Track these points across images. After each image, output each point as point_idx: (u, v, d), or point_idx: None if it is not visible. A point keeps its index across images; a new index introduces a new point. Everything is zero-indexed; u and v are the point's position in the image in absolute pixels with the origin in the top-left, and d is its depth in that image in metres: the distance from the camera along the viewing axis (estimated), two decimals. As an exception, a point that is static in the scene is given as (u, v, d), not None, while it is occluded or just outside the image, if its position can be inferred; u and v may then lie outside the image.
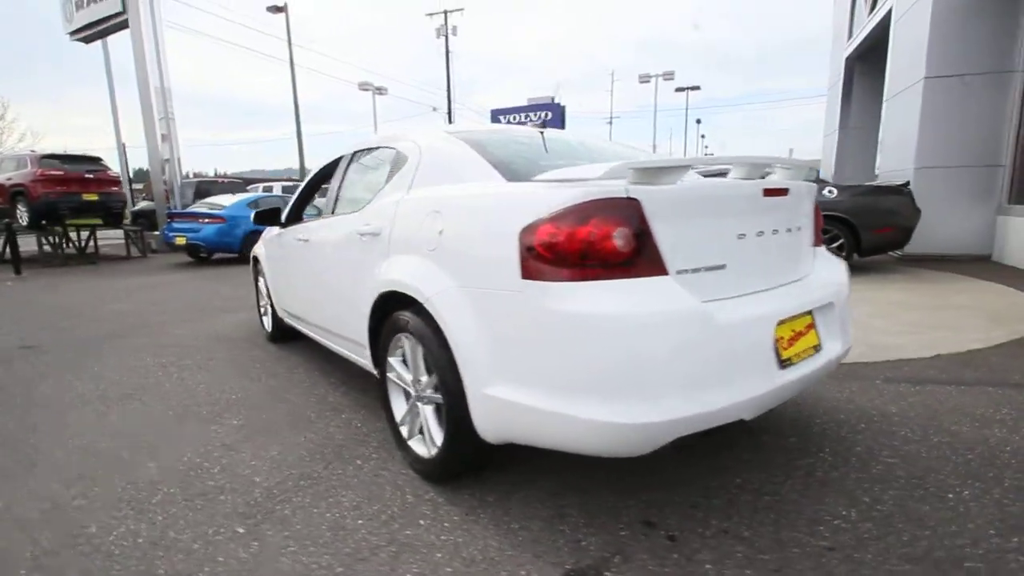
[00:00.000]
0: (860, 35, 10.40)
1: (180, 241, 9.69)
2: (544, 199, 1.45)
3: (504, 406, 1.55)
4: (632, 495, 1.84)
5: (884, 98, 8.71)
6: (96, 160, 10.74)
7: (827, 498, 1.80)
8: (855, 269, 4.03)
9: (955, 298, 4.93)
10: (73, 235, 10.72)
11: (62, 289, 7.20)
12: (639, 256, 1.41)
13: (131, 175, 18.86)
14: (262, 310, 4.33)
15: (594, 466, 2.00)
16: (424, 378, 1.92)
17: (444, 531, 1.68)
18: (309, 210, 3.51)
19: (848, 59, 11.40)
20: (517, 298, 1.48)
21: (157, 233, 12.36)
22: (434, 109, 32.57)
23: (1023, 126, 6.68)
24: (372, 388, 2.97)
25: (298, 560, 1.56)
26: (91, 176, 10.23)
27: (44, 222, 9.98)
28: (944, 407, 2.52)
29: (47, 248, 10.44)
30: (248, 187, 15.58)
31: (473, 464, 1.91)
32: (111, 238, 13.45)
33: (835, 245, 5.93)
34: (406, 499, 1.87)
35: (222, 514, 1.81)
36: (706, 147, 61.08)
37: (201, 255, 10.33)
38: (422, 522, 1.73)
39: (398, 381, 2.09)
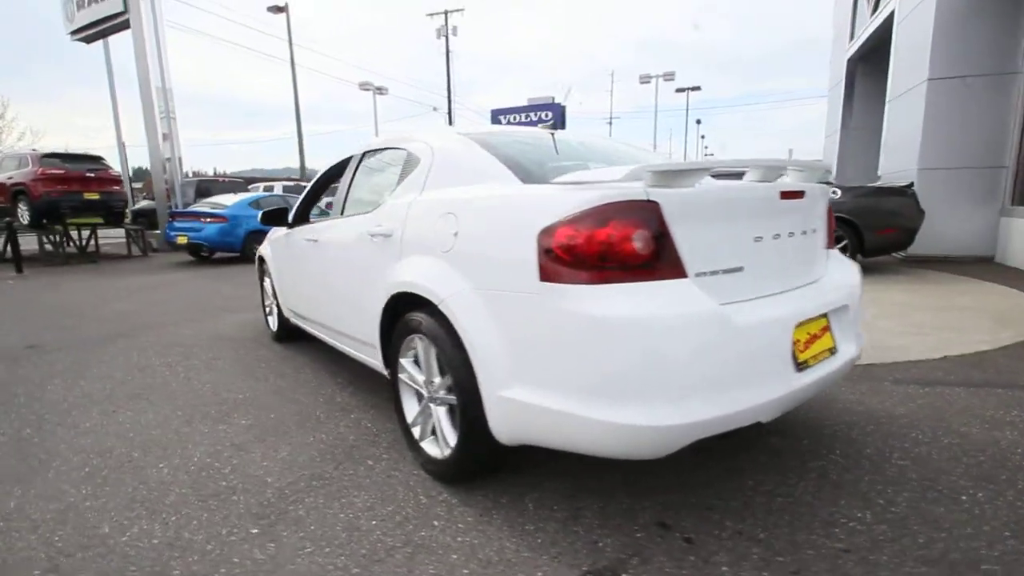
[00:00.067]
0: (862, 36, 10.41)
1: (182, 240, 9.69)
2: (563, 201, 1.45)
3: (520, 408, 1.55)
4: (646, 497, 1.84)
5: (887, 99, 8.72)
6: (97, 159, 10.73)
7: (841, 500, 1.80)
8: (861, 270, 4.02)
9: (960, 299, 4.94)
10: (74, 234, 10.71)
11: (64, 288, 7.19)
12: (658, 259, 1.40)
13: (130, 174, 18.82)
14: (267, 310, 4.32)
15: (607, 468, 2.00)
16: (437, 379, 1.92)
17: (459, 532, 1.68)
18: (315, 211, 3.51)
19: (850, 60, 11.41)
20: (534, 300, 1.48)
21: (158, 232, 12.36)
22: (434, 109, 32.57)
23: (1026, 128, 6.70)
24: (380, 388, 2.97)
25: (314, 561, 1.55)
26: (92, 175, 10.22)
27: (45, 221, 9.96)
28: (953, 409, 2.52)
29: (48, 247, 10.43)
30: (249, 186, 15.57)
31: (487, 465, 1.91)
32: (112, 237, 13.44)
33: (839, 246, 5.93)
34: (419, 500, 1.86)
35: (236, 515, 1.80)
36: (706, 147, 61.12)
37: (202, 254, 10.32)
38: (436, 523, 1.73)
39: (410, 382, 2.09)
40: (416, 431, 2.07)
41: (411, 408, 2.12)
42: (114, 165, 12.00)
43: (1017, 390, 2.73)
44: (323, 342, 3.26)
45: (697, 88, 38.51)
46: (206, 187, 13.93)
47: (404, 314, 2.02)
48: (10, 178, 9.94)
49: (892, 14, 8.51)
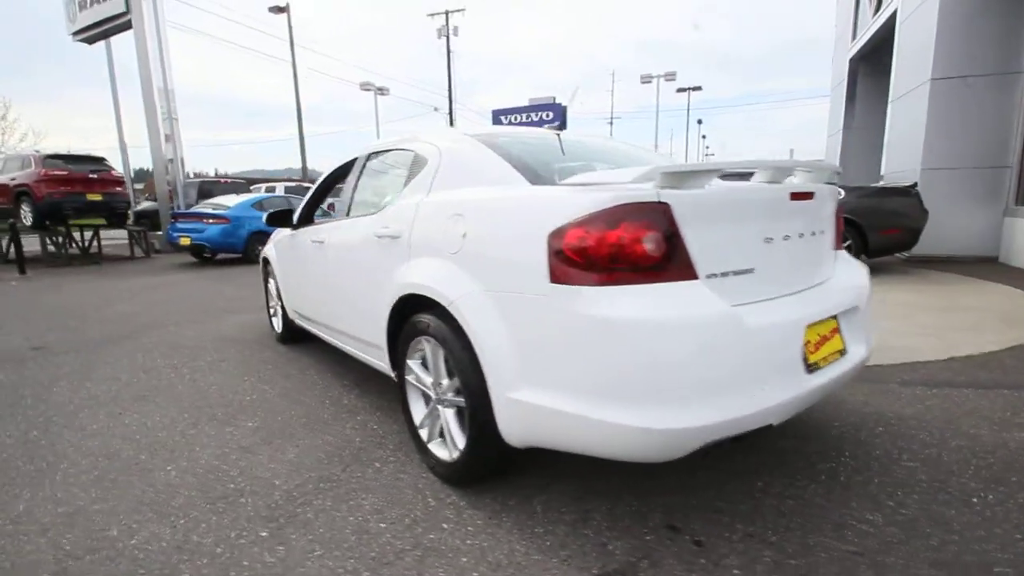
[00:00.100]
0: (864, 36, 10.39)
1: (184, 241, 9.69)
2: (573, 203, 1.44)
3: (530, 410, 1.55)
4: (654, 499, 1.83)
5: (889, 99, 8.71)
6: (100, 160, 10.74)
7: (851, 502, 1.80)
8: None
9: (964, 300, 4.93)
10: (76, 235, 10.73)
11: (67, 289, 7.20)
12: (669, 260, 1.40)
13: (131, 175, 18.85)
14: (271, 311, 4.32)
15: (614, 470, 1.99)
16: (445, 381, 1.91)
17: (468, 535, 1.67)
18: (318, 212, 3.51)
19: (852, 60, 11.40)
20: (544, 302, 1.47)
21: (160, 233, 12.38)
22: (435, 109, 32.60)
23: (1030, 127, 6.69)
24: (386, 390, 2.97)
25: (324, 565, 1.55)
26: (95, 176, 10.23)
27: (48, 222, 9.98)
28: (961, 410, 2.51)
29: (51, 248, 10.44)
30: (251, 187, 15.59)
31: (496, 468, 1.90)
32: (114, 238, 13.47)
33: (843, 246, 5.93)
34: (428, 503, 1.86)
35: (244, 517, 1.80)
36: (707, 147, 61.09)
37: (205, 255, 10.34)
38: (445, 526, 1.73)
39: (417, 384, 2.08)
40: (424, 433, 2.06)
41: (418, 410, 2.11)
42: (116, 166, 12.03)
43: (1025, 391, 2.72)
44: (328, 344, 3.26)
45: (698, 88, 38.51)
46: (208, 188, 13.95)
47: (411, 316, 2.02)
48: (13, 179, 9.95)
49: (895, 14, 8.50)
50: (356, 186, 2.76)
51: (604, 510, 1.78)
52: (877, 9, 9.63)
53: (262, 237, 9.89)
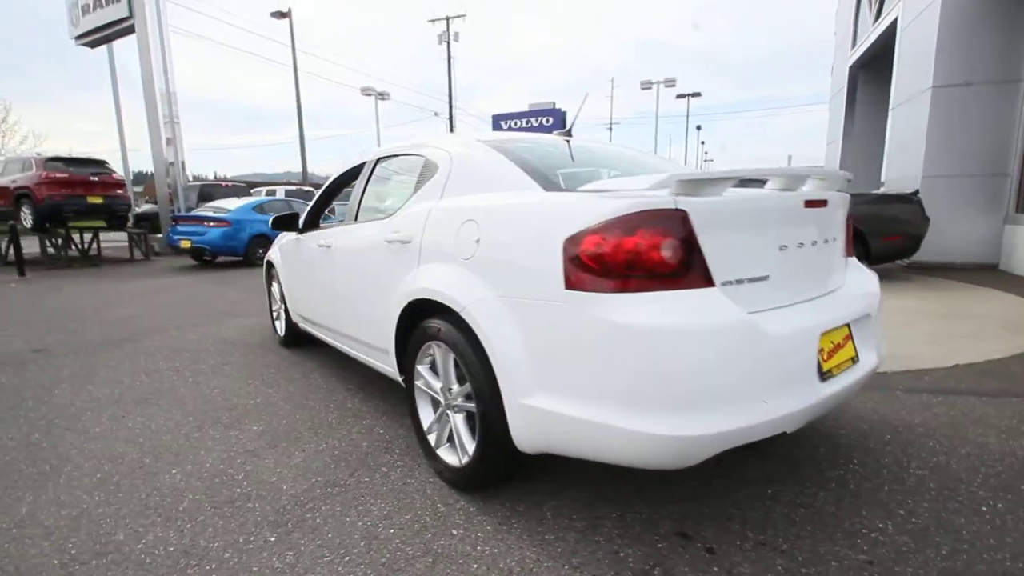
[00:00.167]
0: (864, 43, 10.46)
1: (185, 244, 9.68)
2: (590, 209, 1.44)
3: (543, 416, 1.54)
4: (664, 506, 1.82)
5: (890, 106, 8.75)
6: (101, 163, 10.74)
7: (862, 510, 1.79)
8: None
9: (966, 307, 4.94)
10: (76, 237, 10.70)
11: (66, 291, 7.17)
12: (687, 268, 1.40)
13: (131, 178, 18.85)
14: (274, 315, 4.31)
15: (623, 476, 1.98)
16: (455, 387, 1.91)
17: (478, 541, 1.66)
18: (324, 216, 3.50)
19: (852, 67, 11.46)
20: (560, 308, 1.47)
21: (160, 236, 12.36)
22: (436, 114, 32.69)
23: (1030, 136, 6.73)
24: (391, 394, 2.96)
25: (334, 570, 1.54)
26: (96, 179, 10.22)
27: (48, 225, 9.95)
28: (968, 418, 2.51)
29: (50, 250, 10.42)
30: (251, 191, 15.59)
31: (505, 474, 1.89)
32: (114, 240, 13.44)
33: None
34: (437, 508, 1.85)
35: (252, 522, 1.79)
36: (706, 153, 61.34)
37: (205, 258, 10.32)
38: (455, 532, 1.71)
39: (426, 389, 2.07)
40: (432, 438, 2.05)
41: (427, 415, 2.10)
42: (118, 169, 12.02)
43: (1031, 399, 2.72)
44: (331, 347, 3.25)
45: (697, 94, 38.70)
46: (209, 191, 13.95)
47: (421, 321, 2.01)
48: (14, 181, 9.94)
49: (895, 21, 8.56)
50: (364, 191, 2.76)
51: (614, 517, 1.77)
52: (877, 17, 9.70)
53: (263, 240, 9.89)
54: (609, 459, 1.47)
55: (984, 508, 1.80)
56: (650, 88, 34.44)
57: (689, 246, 1.40)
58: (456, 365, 1.87)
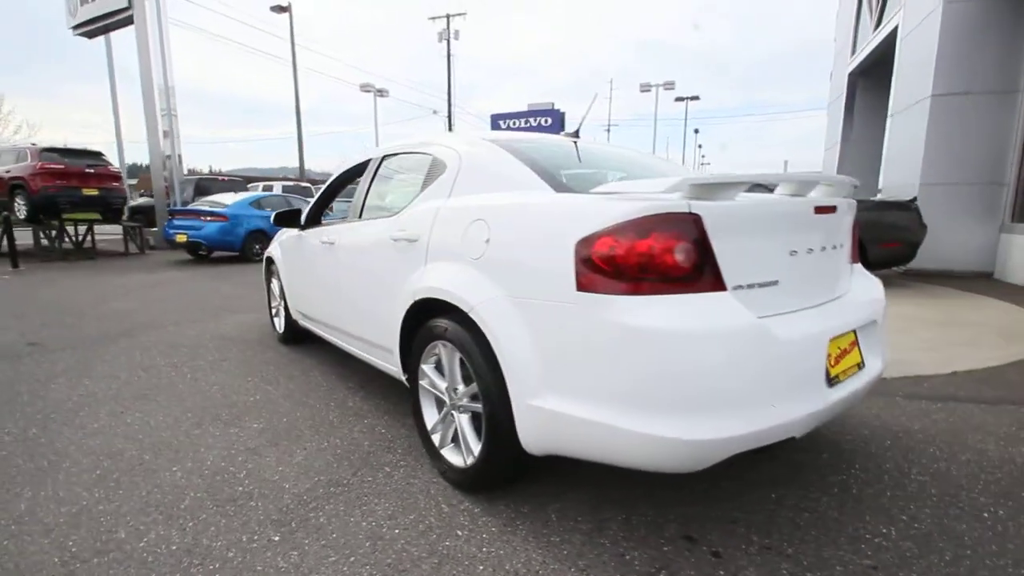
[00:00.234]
0: (864, 51, 10.52)
1: (181, 239, 9.61)
2: (603, 211, 1.44)
3: (552, 417, 1.54)
4: (669, 509, 1.83)
5: (889, 114, 8.81)
6: (97, 155, 10.65)
7: (865, 515, 1.80)
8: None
9: (962, 314, 4.97)
10: (70, 229, 10.61)
11: (61, 284, 7.11)
12: (699, 271, 1.40)
13: (125, 170, 18.71)
14: (273, 311, 4.29)
15: (627, 478, 1.98)
16: (461, 386, 1.90)
17: (484, 543, 1.66)
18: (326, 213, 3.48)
19: (851, 74, 11.53)
20: (571, 309, 1.47)
21: (155, 230, 12.27)
22: (434, 112, 32.64)
23: (1027, 145, 6.79)
24: (391, 393, 2.95)
25: (339, 571, 1.53)
26: (92, 171, 10.13)
27: (42, 216, 9.86)
28: (968, 425, 2.53)
29: (44, 242, 10.32)
30: (248, 186, 15.51)
31: (511, 475, 1.89)
32: (108, 233, 13.32)
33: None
34: (441, 509, 1.84)
35: (255, 521, 1.77)
36: (703, 156, 61.55)
37: (200, 253, 10.26)
38: (460, 533, 1.71)
39: (431, 388, 2.07)
40: (436, 438, 2.05)
41: (431, 415, 2.09)
42: (114, 161, 11.92)
43: (1029, 407, 2.74)
44: (331, 345, 3.23)
45: (696, 98, 38.80)
46: (205, 185, 13.87)
47: (426, 320, 2.00)
48: (8, 172, 9.83)
49: (895, 30, 8.62)
50: (369, 188, 2.74)
51: (620, 520, 1.77)
52: (878, 25, 9.76)
53: (259, 236, 9.84)
54: (619, 462, 1.47)
55: (985, 514, 1.82)
56: (649, 90, 34.54)
57: (702, 250, 1.40)
58: (462, 365, 1.86)
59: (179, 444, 2.36)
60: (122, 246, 11.47)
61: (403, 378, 2.30)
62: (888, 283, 6.80)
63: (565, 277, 1.47)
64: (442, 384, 1.99)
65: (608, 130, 43.41)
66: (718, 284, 1.42)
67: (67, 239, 10.55)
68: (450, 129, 27.05)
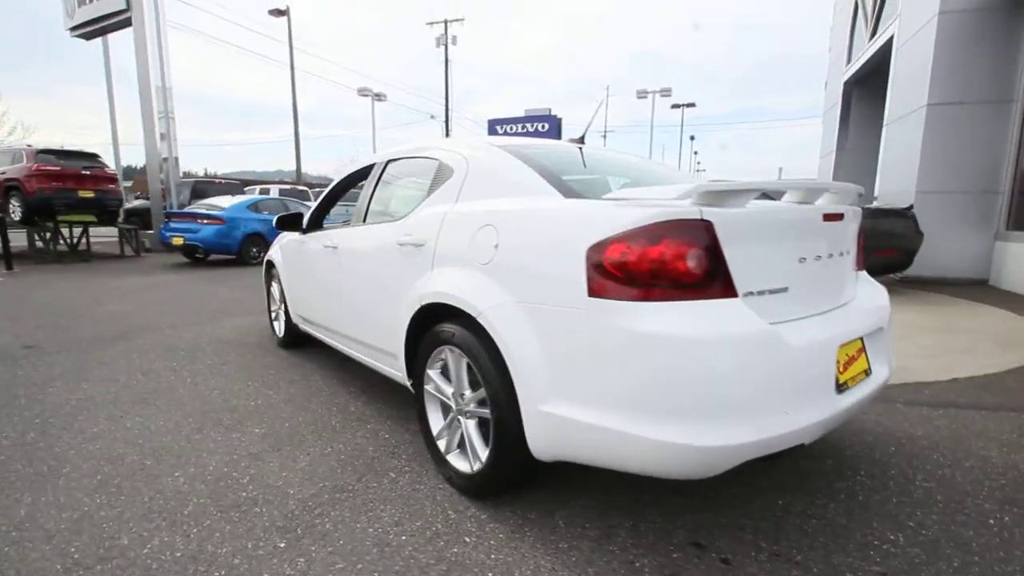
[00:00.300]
0: (859, 60, 10.63)
1: (177, 241, 9.57)
2: (615, 217, 1.44)
3: (561, 423, 1.53)
4: (677, 515, 1.82)
5: (884, 122, 8.89)
6: (94, 156, 10.60)
7: (873, 522, 1.80)
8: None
9: (959, 321, 5.01)
10: (65, 231, 10.54)
11: (56, 287, 7.05)
12: (710, 278, 1.40)
13: (121, 172, 18.62)
14: (273, 315, 4.26)
15: (634, 485, 1.98)
16: (468, 392, 1.89)
17: (492, 549, 1.64)
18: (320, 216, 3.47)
19: (847, 83, 11.64)
20: (582, 315, 1.46)
21: (151, 232, 12.20)
22: (432, 117, 32.68)
23: (1021, 154, 6.86)
24: (393, 398, 2.93)
25: (347, 578, 1.51)
26: (88, 173, 10.08)
27: (37, 218, 9.79)
28: (970, 431, 2.54)
29: (39, 244, 10.24)
30: (245, 189, 15.46)
31: (519, 481, 1.88)
32: (104, 236, 13.25)
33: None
34: (448, 515, 1.83)
35: (260, 527, 1.75)
36: (698, 163, 61.90)
37: (197, 256, 10.21)
38: (468, 539, 1.69)
39: (437, 393, 2.06)
40: (442, 444, 2.03)
41: (436, 420, 2.08)
42: (110, 163, 11.86)
43: (1030, 414, 2.76)
44: (331, 349, 3.22)
45: (692, 105, 39.04)
46: (202, 188, 13.81)
47: (432, 325, 1.99)
48: (3, 173, 9.77)
49: (891, 40, 8.71)
50: (373, 193, 2.74)
51: (628, 526, 1.76)
52: (873, 34, 9.87)
53: (257, 239, 9.82)
54: (630, 468, 1.46)
55: (991, 521, 1.82)
56: (646, 97, 34.75)
57: (714, 256, 1.40)
58: (469, 370, 1.86)
59: (180, 449, 2.33)
60: (117, 249, 11.40)
61: (407, 383, 2.29)
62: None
63: (576, 283, 1.47)
64: (448, 389, 1.98)
65: (604, 136, 43.61)
66: (729, 290, 1.42)
67: (62, 241, 10.47)
68: (447, 134, 27.10)
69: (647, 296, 1.38)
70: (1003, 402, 2.93)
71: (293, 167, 23.29)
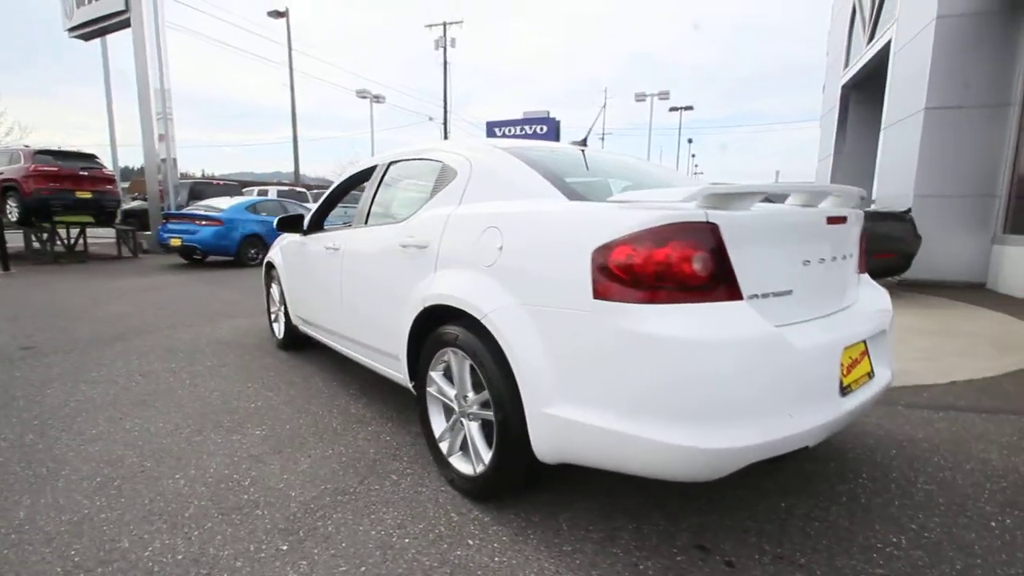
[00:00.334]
0: (857, 64, 10.68)
1: (175, 243, 9.54)
2: (620, 220, 1.44)
3: (566, 425, 1.53)
4: (681, 518, 1.82)
5: (882, 126, 8.93)
6: (91, 157, 10.56)
7: (875, 524, 1.80)
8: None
9: (957, 324, 5.02)
10: (62, 232, 10.49)
11: (53, 288, 7.02)
12: (716, 280, 1.40)
13: (118, 174, 18.58)
14: (272, 316, 4.25)
15: (637, 487, 1.97)
16: (471, 394, 1.89)
17: (495, 552, 1.64)
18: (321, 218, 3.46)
19: (844, 87, 11.70)
20: (586, 317, 1.46)
21: (149, 233, 12.16)
22: (430, 119, 32.67)
23: (1018, 158, 6.90)
24: (394, 400, 2.93)
25: (351, 581, 1.50)
26: (86, 173, 10.04)
27: (34, 219, 9.74)
28: (970, 434, 2.54)
29: (36, 245, 10.20)
30: (243, 190, 15.43)
31: (522, 483, 1.87)
32: (101, 237, 13.20)
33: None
34: (451, 517, 1.82)
35: (262, 530, 1.74)
36: (696, 166, 62.06)
37: (195, 257, 10.18)
38: (471, 542, 1.69)
39: (439, 396, 2.05)
40: (444, 446, 2.03)
41: (439, 423, 2.08)
42: (108, 164, 11.82)
43: (1029, 417, 2.77)
44: (331, 350, 3.21)
45: (690, 108, 39.14)
46: (200, 189, 13.80)
47: (435, 327, 1.99)
48: (0, 173, 9.73)
49: (888, 44, 8.76)
50: (375, 194, 2.73)
51: (631, 528, 1.76)
52: (871, 39, 9.92)
53: (255, 241, 9.79)
54: (634, 470, 1.46)
55: (993, 523, 1.82)
56: (644, 100, 34.84)
57: (719, 259, 1.40)
58: (473, 372, 1.85)
59: (181, 451, 2.32)
60: (115, 250, 11.36)
61: (410, 385, 2.28)
62: (883, 293, 6.88)
63: (581, 285, 1.47)
64: (451, 391, 1.98)
65: (602, 138, 43.70)
66: (734, 293, 1.42)
67: (59, 242, 10.43)
68: (445, 136, 27.12)
69: (653, 298, 1.38)
70: (1001, 405, 2.94)
71: (291, 168, 23.28)
